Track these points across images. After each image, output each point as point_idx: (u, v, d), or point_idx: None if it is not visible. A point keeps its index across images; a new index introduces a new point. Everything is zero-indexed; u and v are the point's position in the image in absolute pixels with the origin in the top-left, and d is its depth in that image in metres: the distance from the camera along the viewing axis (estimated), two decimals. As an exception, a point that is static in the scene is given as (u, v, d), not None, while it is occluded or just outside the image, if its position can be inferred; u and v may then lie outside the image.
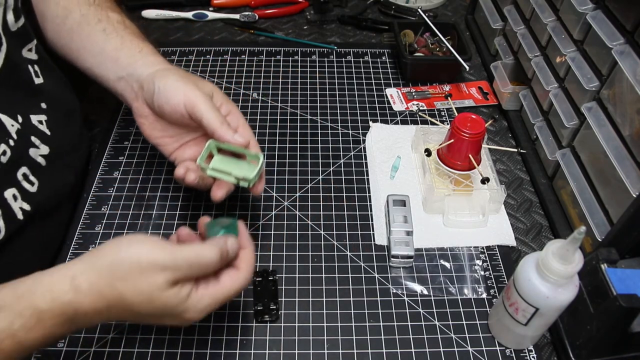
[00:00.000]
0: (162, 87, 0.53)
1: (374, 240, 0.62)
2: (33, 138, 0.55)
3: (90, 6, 0.61)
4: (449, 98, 0.79)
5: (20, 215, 0.52)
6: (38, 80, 0.57)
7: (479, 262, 0.61)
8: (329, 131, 0.76)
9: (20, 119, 0.53)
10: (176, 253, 0.41)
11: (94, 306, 0.39)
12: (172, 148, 0.57)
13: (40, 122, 0.56)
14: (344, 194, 0.68)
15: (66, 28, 0.61)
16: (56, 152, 0.58)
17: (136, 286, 0.40)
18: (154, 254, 0.40)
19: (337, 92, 0.82)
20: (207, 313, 0.44)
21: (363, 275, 0.59)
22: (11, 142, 0.51)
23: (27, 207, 0.53)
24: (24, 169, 0.53)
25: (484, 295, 0.58)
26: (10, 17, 0.53)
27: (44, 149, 0.56)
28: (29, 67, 0.56)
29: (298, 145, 0.74)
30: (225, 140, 0.51)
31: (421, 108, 0.80)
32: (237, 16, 0.97)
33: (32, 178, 0.54)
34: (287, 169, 0.70)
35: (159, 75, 0.54)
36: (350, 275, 0.59)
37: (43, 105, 0.58)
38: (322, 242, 0.62)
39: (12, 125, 0.51)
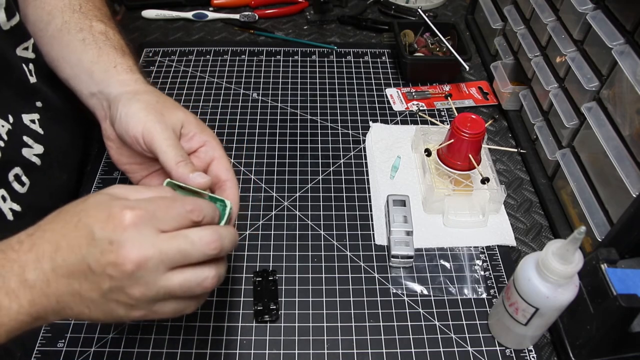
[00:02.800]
0: (124, 115, 0.48)
1: (374, 240, 0.62)
2: (25, 138, 0.54)
3: (74, 13, 0.58)
4: (449, 98, 0.79)
5: (10, 217, 0.51)
6: (33, 79, 0.57)
7: (479, 262, 0.61)
8: (329, 131, 0.76)
9: (11, 118, 0.52)
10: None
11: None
12: (140, 176, 0.53)
13: (33, 121, 0.56)
14: (344, 194, 0.68)
15: (48, 34, 0.57)
16: (51, 152, 0.57)
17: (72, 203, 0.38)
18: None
19: (337, 92, 0.82)
20: (142, 215, 0.36)
21: (363, 275, 0.59)
22: (0, 143, 0.50)
23: (17, 207, 0.52)
24: (16, 170, 0.53)
25: (484, 295, 0.58)
26: (1, 15, 0.53)
27: (38, 148, 0.55)
28: (24, 65, 0.56)
29: (298, 145, 0.74)
30: (182, 182, 0.45)
31: (421, 108, 0.80)
32: (237, 16, 0.97)
33: (23, 179, 0.54)
34: (287, 169, 0.70)
35: (123, 100, 0.49)
36: (350, 275, 0.59)
37: (38, 104, 0.57)
38: (322, 242, 0.62)
39: (2, 126, 0.51)
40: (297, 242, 0.62)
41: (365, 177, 0.70)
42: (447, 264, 0.61)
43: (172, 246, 0.36)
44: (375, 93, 0.83)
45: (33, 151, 0.55)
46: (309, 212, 0.65)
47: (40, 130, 0.56)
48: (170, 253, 0.36)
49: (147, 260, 0.35)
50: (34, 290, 0.36)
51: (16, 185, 0.53)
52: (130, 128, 0.47)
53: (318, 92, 0.82)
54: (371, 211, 0.66)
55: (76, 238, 0.36)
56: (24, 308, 0.36)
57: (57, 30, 0.57)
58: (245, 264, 0.60)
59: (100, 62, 0.54)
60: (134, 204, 0.37)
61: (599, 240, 0.55)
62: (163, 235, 0.36)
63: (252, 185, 0.68)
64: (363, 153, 0.73)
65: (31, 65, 0.57)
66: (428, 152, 0.66)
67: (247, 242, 0.62)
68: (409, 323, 0.55)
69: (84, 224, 0.36)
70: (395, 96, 0.82)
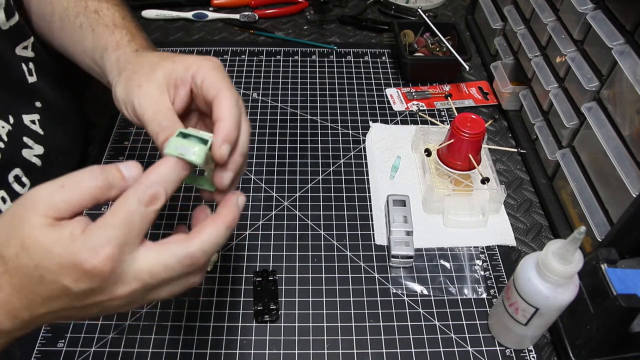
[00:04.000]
0: (123, 105, 0.44)
1: (374, 240, 0.62)
2: (25, 138, 0.54)
3: None
4: (449, 98, 0.79)
5: None
6: (32, 79, 0.56)
7: (479, 262, 0.61)
8: (329, 131, 0.76)
9: (11, 119, 0.52)
10: (49, 183, 0.34)
11: None
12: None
13: (33, 121, 0.55)
14: (344, 194, 0.68)
15: (55, 26, 0.55)
16: (51, 152, 0.57)
17: (7, 233, 0.33)
18: (27, 195, 0.33)
19: (337, 92, 0.82)
20: (108, 253, 0.32)
21: (363, 275, 0.59)
22: (1, 145, 0.50)
23: None
24: (16, 171, 0.52)
25: (484, 295, 0.58)
26: (0, 15, 0.52)
27: (38, 149, 0.55)
28: (23, 65, 0.55)
29: (298, 145, 0.74)
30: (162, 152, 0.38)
31: (421, 108, 0.80)
32: (237, 16, 0.97)
33: (24, 179, 0.53)
34: (287, 169, 0.70)
35: (117, 89, 0.45)
36: (350, 275, 0.59)
37: (37, 104, 0.57)
38: (322, 242, 0.62)
39: (2, 127, 0.51)
40: (297, 242, 0.62)
41: (365, 177, 0.70)
42: (447, 264, 0.61)
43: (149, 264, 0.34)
44: (375, 93, 0.83)
45: (33, 152, 0.55)
46: (309, 212, 0.65)
47: (40, 131, 0.56)
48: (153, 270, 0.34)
49: (135, 288, 0.34)
50: (9, 334, 0.34)
51: (16, 187, 0.53)
52: (132, 112, 0.44)
53: (318, 92, 0.82)
54: (371, 211, 0.66)
55: (50, 291, 0.33)
56: None
57: (59, 20, 0.55)
58: (245, 264, 0.60)
59: (97, 47, 0.51)
60: (95, 240, 0.32)
61: (599, 240, 0.55)
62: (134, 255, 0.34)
63: (252, 185, 0.68)
64: (363, 153, 0.73)
65: (31, 65, 0.57)
66: (428, 152, 0.66)
67: (247, 242, 0.62)
68: (409, 323, 0.55)
69: (52, 280, 0.32)
70: (395, 96, 0.82)
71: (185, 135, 0.38)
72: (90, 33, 0.51)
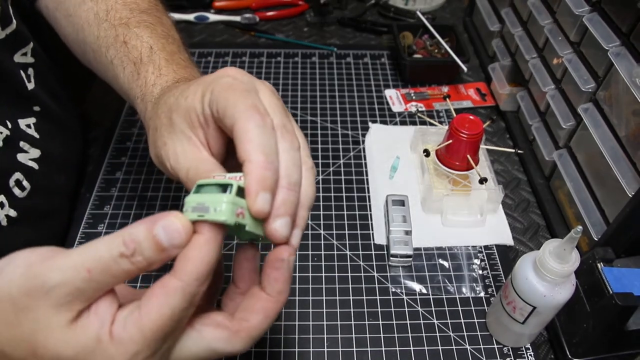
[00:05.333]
0: (159, 166, 0.40)
1: (374, 240, 0.63)
2: (22, 143, 0.53)
3: (101, 24, 0.50)
4: (447, 99, 0.80)
5: (4, 223, 0.50)
6: (31, 86, 0.56)
7: (477, 261, 0.62)
8: (329, 132, 0.77)
9: (9, 124, 0.52)
10: (63, 259, 0.28)
11: None
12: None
13: (29, 125, 0.55)
14: (344, 194, 0.68)
15: (90, 57, 0.52)
16: (48, 155, 0.56)
17: (14, 333, 0.27)
18: (29, 275, 0.27)
19: (336, 94, 0.83)
20: None
21: (362, 274, 0.60)
22: None
23: (13, 213, 0.51)
24: (17, 175, 0.52)
25: (482, 294, 0.58)
26: None
27: (34, 153, 0.54)
28: (22, 72, 0.55)
29: (298, 146, 0.74)
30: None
31: (420, 109, 0.81)
32: (238, 18, 0.98)
33: (24, 183, 0.52)
34: (287, 169, 0.71)
35: (149, 147, 0.41)
36: (349, 275, 0.60)
37: (35, 109, 0.56)
38: (322, 242, 0.63)
39: (0, 133, 0.50)
40: (297, 242, 0.63)
41: (365, 178, 0.70)
42: (445, 263, 0.61)
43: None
44: (374, 94, 0.83)
45: (29, 156, 0.54)
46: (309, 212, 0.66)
47: (36, 134, 0.55)
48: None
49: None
50: None
51: (16, 191, 0.52)
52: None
53: (318, 93, 0.83)
54: (370, 211, 0.66)
55: None
56: None
57: (92, 51, 0.52)
58: (246, 263, 0.60)
59: (129, 91, 0.47)
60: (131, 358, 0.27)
61: (596, 239, 0.55)
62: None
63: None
64: (362, 154, 0.74)
65: (30, 70, 0.56)
66: (427, 153, 0.67)
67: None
68: (408, 321, 0.56)
69: None
70: (394, 97, 0.83)
71: (206, 186, 0.30)
72: (122, 72, 0.47)
